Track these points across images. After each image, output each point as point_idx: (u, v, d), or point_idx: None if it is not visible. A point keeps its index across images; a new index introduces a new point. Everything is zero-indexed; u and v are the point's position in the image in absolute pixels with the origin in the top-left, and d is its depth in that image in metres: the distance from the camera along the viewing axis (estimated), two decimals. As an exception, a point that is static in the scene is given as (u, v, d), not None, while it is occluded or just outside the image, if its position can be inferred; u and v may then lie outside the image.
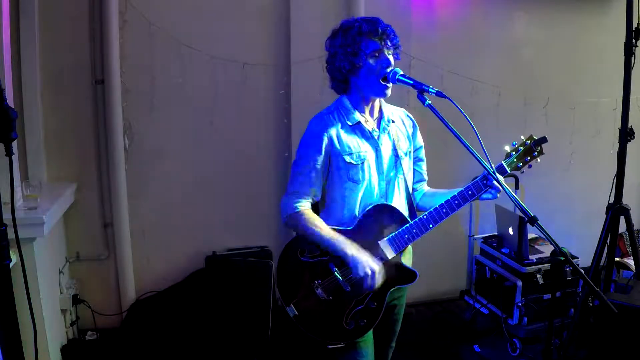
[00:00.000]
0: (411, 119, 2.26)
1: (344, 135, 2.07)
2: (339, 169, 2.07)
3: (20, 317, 1.65)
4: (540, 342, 3.50)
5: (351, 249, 2.00)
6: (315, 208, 2.16)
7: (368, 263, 1.99)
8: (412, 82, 1.96)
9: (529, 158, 2.03)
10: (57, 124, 3.38)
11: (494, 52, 4.11)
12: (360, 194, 2.08)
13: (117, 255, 3.59)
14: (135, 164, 3.56)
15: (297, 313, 2.06)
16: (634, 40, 3.01)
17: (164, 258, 3.72)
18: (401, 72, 2.00)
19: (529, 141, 2.02)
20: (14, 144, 1.60)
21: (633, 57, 3.03)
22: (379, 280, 2.00)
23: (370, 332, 2.15)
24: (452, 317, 3.97)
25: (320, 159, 2.05)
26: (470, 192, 2.02)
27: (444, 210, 2.03)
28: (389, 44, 2.01)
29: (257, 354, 3.27)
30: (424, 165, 2.31)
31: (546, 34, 4.19)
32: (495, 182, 1.98)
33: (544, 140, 2.02)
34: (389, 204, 2.10)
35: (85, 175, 3.51)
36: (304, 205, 2.07)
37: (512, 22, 4.14)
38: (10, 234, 1.64)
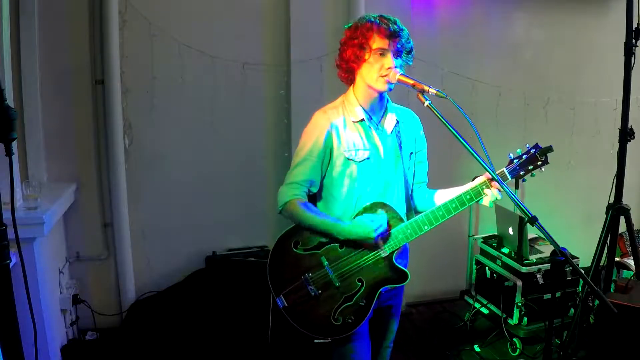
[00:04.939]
0: (417, 120, 2.25)
1: (346, 132, 2.07)
2: (338, 165, 2.07)
3: (20, 317, 1.65)
4: (540, 342, 3.50)
5: (350, 230, 2.00)
6: (312, 203, 2.15)
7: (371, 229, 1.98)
8: (412, 81, 1.95)
9: (532, 167, 1.97)
10: (57, 124, 3.38)
11: (494, 52, 4.11)
12: (358, 191, 2.08)
13: (117, 255, 3.59)
14: (135, 163, 3.56)
15: (286, 305, 2.07)
16: (634, 40, 3.01)
17: (164, 258, 3.72)
18: (401, 72, 2.00)
19: (533, 149, 1.97)
20: (14, 144, 1.60)
21: (633, 57, 3.03)
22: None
23: (367, 331, 2.14)
24: (452, 317, 3.98)
25: (321, 152, 2.05)
26: (468, 197, 2.01)
27: (440, 213, 2.01)
28: (397, 46, 2.00)
29: (257, 354, 3.26)
30: (425, 168, 2.29)
31: (546, 34, 4.20)
32: (493, 184, 1.98)
33: (549, 149, 1.96)
34: (386, 202, 2.09)
35: (85, 175, 3.51)
36: (301, 195, 2.07)
37: (512, 22, 4.14)
38: (10, 234, 1.64)
